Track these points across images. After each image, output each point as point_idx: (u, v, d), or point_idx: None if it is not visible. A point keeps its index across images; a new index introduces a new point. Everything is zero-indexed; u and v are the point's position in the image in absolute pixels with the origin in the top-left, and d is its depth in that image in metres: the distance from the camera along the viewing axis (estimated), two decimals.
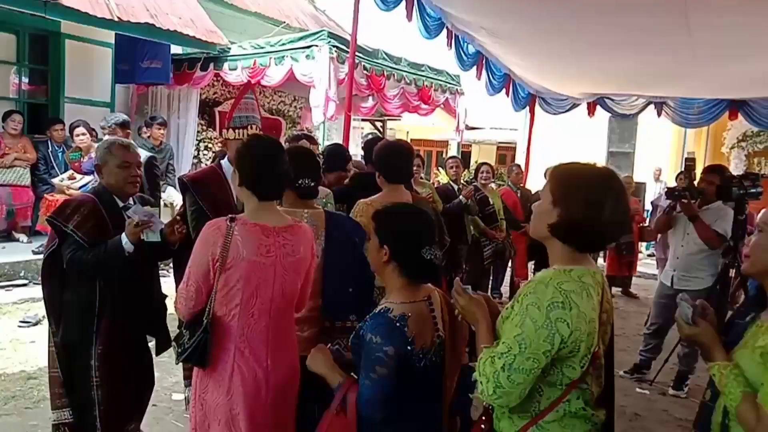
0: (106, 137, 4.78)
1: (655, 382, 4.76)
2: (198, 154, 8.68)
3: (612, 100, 8.84)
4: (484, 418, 1.71)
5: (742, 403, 1.51)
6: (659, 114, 8.66)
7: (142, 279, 2.87)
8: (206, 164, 7.07)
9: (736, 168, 12.89)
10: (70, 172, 6.51)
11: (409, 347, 1.79)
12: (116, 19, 6.70)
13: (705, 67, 6.17)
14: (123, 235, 2.61)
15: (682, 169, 8.67)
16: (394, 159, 3.19)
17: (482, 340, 1.66)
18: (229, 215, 2.14)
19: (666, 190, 4.77)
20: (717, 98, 8.03)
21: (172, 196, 7.35)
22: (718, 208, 4.41)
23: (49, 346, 2.81)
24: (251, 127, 3.10)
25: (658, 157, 12.75)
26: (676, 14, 4.58)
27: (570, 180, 1.66)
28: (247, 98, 3.17)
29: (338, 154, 4.11)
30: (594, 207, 1.58)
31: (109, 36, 7.92)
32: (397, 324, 1.79)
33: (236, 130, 3.09)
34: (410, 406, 1.85)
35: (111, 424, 2.75)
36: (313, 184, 2.62)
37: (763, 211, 1.67)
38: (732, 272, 4.13)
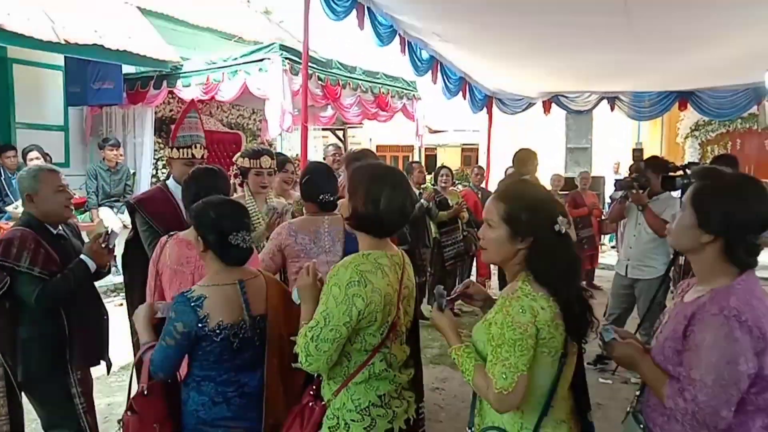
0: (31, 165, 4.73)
1: (618, 372, 4.85)
2: (156, 173, 8.57)
3: (566, 97, 9.02)
4: (314, 386, 1.96)
5: (475, 375, 1.71)
6: (612, 108, 8.87)
7: (93, 300, 2.90)
8: None
9: (691, 157, 13.24)
10: None
11: (200, 324, 2.07)
12: (63, 41, 6.57)
13: (650, 60, 6.35)
14: (83, 257, 2.67)
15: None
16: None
17: (303, 318, 1.92)
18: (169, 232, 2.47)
19: (615, 181, 4.89)
20: (666, 90, 8.26)
21: (109, 219, 7.24)
22: (667, 197, 4.54)
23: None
24: (195, 146, 3.11)
25: (615, 150, 13.02)
26: (617, 12, 4.71)
27: (355, 178, 1.93)
28: (190, 117, 3.18)
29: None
30: (372, 199, 1.86)
31: (58, 59, 7.78)
32: (192, 304, 2.07)
33: (180, 150, 3.10)
34: (227, 373, 2.15)
35: None
36: (332, 198, 2.94)
37: (690, 188, 1.74)
38: (681, 259, 4.24)
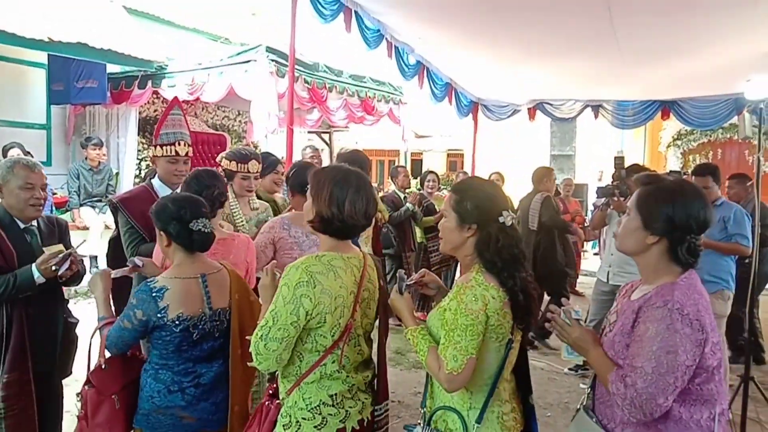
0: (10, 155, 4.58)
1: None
2: (140, 173, 8.50)
3: (551, 104, 9.07)
4: (274, 384, 2.02)
5: (428, 356, 1.82)
6: (596, 116, 8.93)
7: (50, 305, 2.75)
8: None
9: (673, 166, 13.39)
10: None
11: (159, 314, 2.17)
12: (47, 39, 6.51)
13: (634, 70, 6.42)
14: (33, 267, 2.52)
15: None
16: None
17: (260, 318, 1.94)
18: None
19: (597, 188, 4.95)
20: (649, 99, 8.33)
21: (89, 219, 7.17)
22: None
23: None
24: (179, 143, 3.07)
25: (599, 158, 13.15)
26: (602, 21, 4.76)
27: (317, 182, 1.97)
28: (173, 114, 3.13)
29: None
30: (336, 202, 1.90)
31: (42, 56, 7.71)
32: (153, 294, 2.17)
33: (164, 147, 3.06)
34: (184, 363, 2.25)
35: None
36: None
37: (635, 193, 1.82)
38: None
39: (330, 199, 1.91)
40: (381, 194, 6.80)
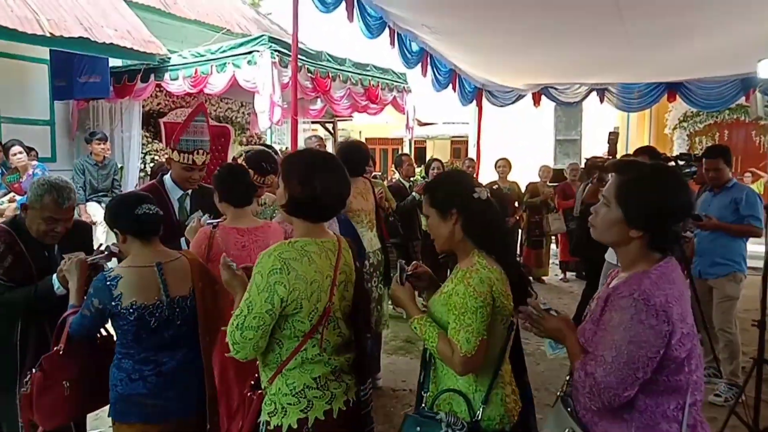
0: (45, 174, 4.55)
1: None
2: (144, 167, 8.48)
3: (556, 89, 9.01)
4: (256, 375, 2.02)
5: (439, 342, 1.85)
6: (602, 100, 8.87)
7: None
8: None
9: (679, 148, 13.30)
10: (11, 194, 6.30)
11: (113, 303, 2.23)
12: (48, 34, 6.49)
13: (640, 52, 6.35)
14: (54, 278, 2.53)
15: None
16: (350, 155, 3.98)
17: (234, 308, 1.95)
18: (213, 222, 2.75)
19: (586, 160, 4.87)
20: (655, 82, 8.27)
21: (96, 214, 7.17)
22: None
23: None
24: (198, 152, 3.04)
25: (604, 142, 13.03)
26: (608, 4, 4.70)
27: (288, 165, 1.98)
28: (197, 121, 3.09)
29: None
30: (308, 184, 1.89)
31: (44, 52, 7.67)
32: (108, 283, 2.23)
33: (182, 154, 3.03)
34: (145, 352, 2.30)
35: None
36: None
37: (613, 182, 1.75)
38: None
39: (302, 181, 1.90)
40: (386, 183, 6.76)
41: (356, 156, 4.18)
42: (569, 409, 1.73)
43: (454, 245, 1.98)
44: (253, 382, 2.06)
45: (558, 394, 1.85)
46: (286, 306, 1.82)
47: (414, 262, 2.20)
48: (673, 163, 4.32)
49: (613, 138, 4.80)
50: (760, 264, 3.72)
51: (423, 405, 1.94)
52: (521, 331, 1.98)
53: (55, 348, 2.36)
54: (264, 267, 1.83)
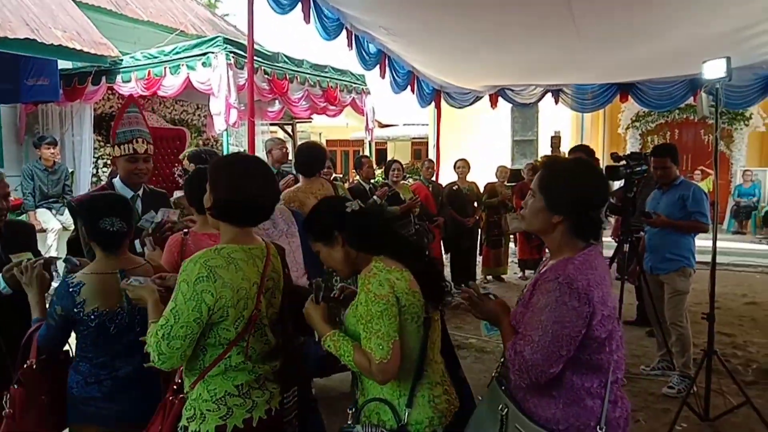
0: None
1: None
2: (97, 172, 8.27)
3: (512, 90, 9.14)
4: (178, 380, 2.00)
5: (355, 355, 1.83)
6: (557, 101, 9.04)
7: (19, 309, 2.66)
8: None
9: (632, 147, 13.68)
10: None
11: (76, 309, 2.22)
12: None
13: (592, 54, 6.49)
14: None
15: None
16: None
17: (150, 316, 1.95)
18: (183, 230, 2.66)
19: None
20: (607, 83, 8.46)
21: (46, 221, 6.97)
22: None
23: None
24: (137, 141, 2.98)
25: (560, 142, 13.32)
26: (561, 7, 4.79)
27: (214, 170, 1.95)
28: (129, 112, 3.04)
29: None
30: (233, 187, 1.88)
31: None
32: (71, 290, 2.23)
33: (122, 146, 2.97)
34: (103, 357, 2.29)
35: None
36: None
37: (537, 175, 1.91)
38: (626, 247, 4.37)
39: (227, 186, 1.89)
40: (347, 185, 6.74)
41: (311, 157, 4.21)
42: (503, 388, 1.84)
43: (354, 265, 1.98)
44: (175, 387, 2.03)
45: (493, 375, 1.95)
46: (213, 314, 1.79)
47: (341, 285, 2.20)
48: (624, 162, 4.43)
49: (555, 141, 4.94)
50: (709, 258, 3.85)
51: (349, 421, 1.93)
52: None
53: (27, 363, 2.32)
54: (190, 275, 1.79)
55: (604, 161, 13.01)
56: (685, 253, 4.42)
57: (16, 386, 2.28)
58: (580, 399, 1.73)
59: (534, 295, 1.77)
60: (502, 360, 1.92)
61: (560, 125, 13.27)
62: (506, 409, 1.77)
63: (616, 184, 5.08)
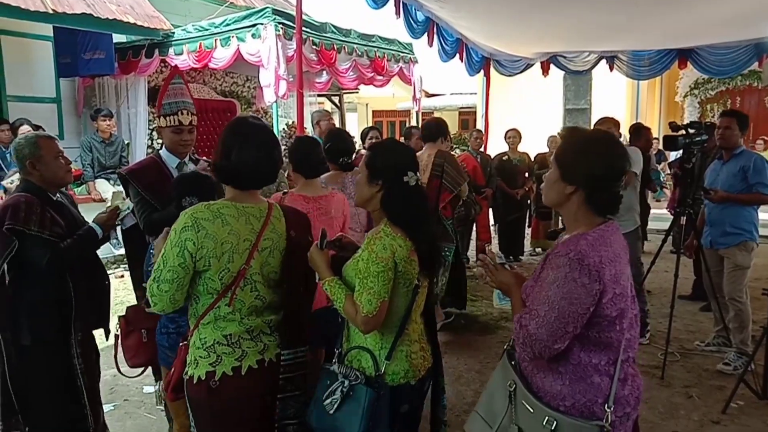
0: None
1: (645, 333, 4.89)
2: (152, 143, 8.49)
3: (565, 57, 8.88)
4: (192, 327, 2.11)
5: (345, 303, 2.00)
6: (611, 68, 8.74)
7: (96, 265, 2.97)
8: None
9: (690, 116, 13.16)
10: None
11: None
12: (51, 11, 6.44)
13: (650, 18, 6.23)
14: (94, 225, 2.81)
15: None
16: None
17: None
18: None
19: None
20: (666, 48, 8.13)
21: (105, 191, 7.20)
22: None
23: None
24: (182, 113, 3.03)
25: (614, 110, 12.87)
26: None
27: (222, 134, 2.08)
28: (174, 83, 3.08)
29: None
30: (224, 152, 2.01)
31: (48, 29, 7.63)
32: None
33: (167, 117, 3.03)
34: (173, 313, 2.24)
35: (96, 409, 2.90)
36: (350, 161, 3.57)
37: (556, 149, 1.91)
38: (683, 219, 4.24)
39: (223, 152, 2.02)
40: None
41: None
42: (513, 363, 1.86)
43: (370, 208, 2.15)
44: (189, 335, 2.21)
45: (505, 347, 1.97)
46: (196, 262, 1.92)
47: (340, 234, 2.39)
48: (683, 132, 4.27)
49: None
50: None
51: (334, 360, 2.09)
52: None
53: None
54: (178, 224, 1.93)
55: (660, 130, 12.59)
56: (746, 226, 4.25)
57: (122, 317, 2.76)
58: (587, 375, 1.72)
59: (545, 269, 1.76)
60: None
61: (614, 93, 12.87)
62: (514, 386, 1.80)
63: (673, 155, 4.92)
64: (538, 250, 8.34)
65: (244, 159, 1.99)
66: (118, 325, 2.82)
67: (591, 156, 1.76)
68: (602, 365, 1.71)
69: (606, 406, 1.68)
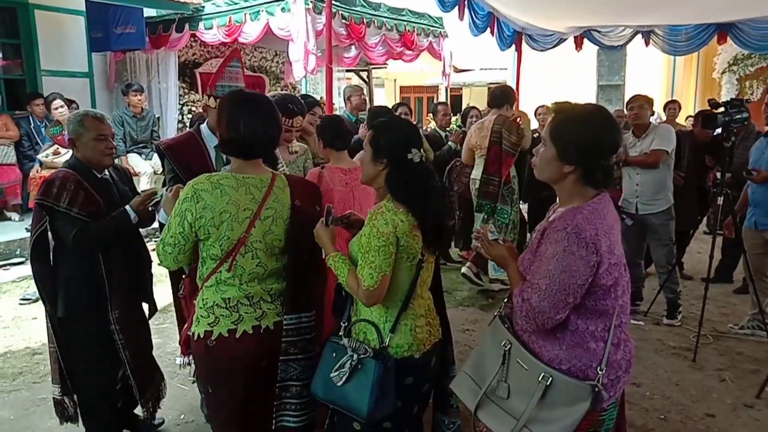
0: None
1: (649, 313, 4.84)
2: (182, 118, 8.56)
3: (599, 32, 8.64)
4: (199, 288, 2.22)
5: (348, 277, 2.05)
6: (647, 43, 8.49)
7: (135, 243, 2.98)
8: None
9: (728, 93, 12.77)
10: (55, 146, 6.43)
11: None
12: None
13: None
14: (128, 209, 2.76)
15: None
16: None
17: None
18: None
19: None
20: (704, 23, 7.85)
21: (137, 165, 7.29)
22: (652, 128, 4.60)
23: (46, 324, 2.84)
24: None
25: (649, 87, 12.58)
26: None
27: (220, 108, 2.15)
28: (232, 66, 3.05)
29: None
30: (232, 126, 2.07)
31: (80, 3, 7.71)
32: None
33: (218, 100, 3.01)
34: None
35: (143, 379, 2.97)
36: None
37: (548, 124, 1.90)
38: (720, 200, 4.13)
39: (228, 122, 2.08)
40: (421, 132, 6.67)
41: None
42: (506, 326, 1.92)
43: (374, 185, 2.18)
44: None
45: (495, 313, 2.03)
46: (197, 231, 2.05)
47: (349, 211, 2.41)
48: (723, 109, 4.14)
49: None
50: None
51: (340, 333, 2.14)
52: None
53: None
54: (181, 195, 2.06)
55: (696, 107, 12.27)
56: None
57: (185, 276, 2.68)
58: (584, 342, 1.78)
59: (542, 243, 1.80)
60: (505, 300, 2.03)
61: (649, 69, 12.55)
62: (509, 345, 1.86)
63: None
64: None
65: (252, 129, 2.07)
66: (182, 287, 2.83)
67: (588, 133, 1.78)
68: (598, 331, 1.79)
69: (599, 369, 1.76)
